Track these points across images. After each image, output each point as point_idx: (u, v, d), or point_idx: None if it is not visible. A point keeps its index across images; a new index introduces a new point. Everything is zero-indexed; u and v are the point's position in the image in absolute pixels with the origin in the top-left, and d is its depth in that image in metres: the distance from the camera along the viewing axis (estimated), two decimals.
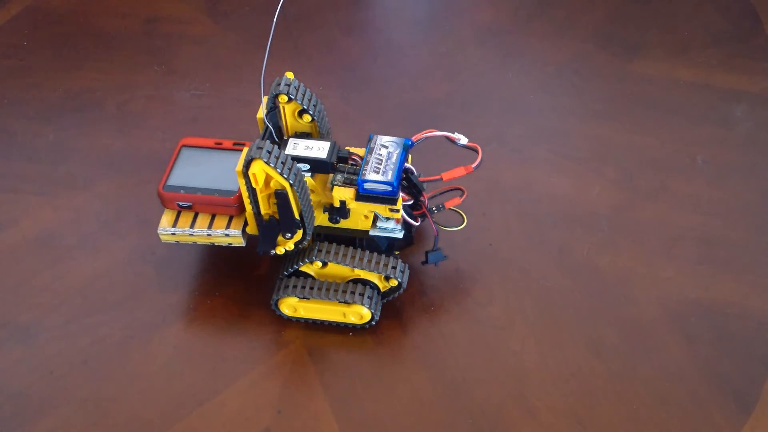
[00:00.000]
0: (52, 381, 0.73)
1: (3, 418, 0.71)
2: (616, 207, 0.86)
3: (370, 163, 0.71)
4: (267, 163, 0.65)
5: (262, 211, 0.70)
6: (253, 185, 0.67)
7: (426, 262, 0.77)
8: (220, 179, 0.74)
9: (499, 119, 0.97)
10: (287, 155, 0.68)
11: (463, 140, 0.74)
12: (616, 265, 0.81)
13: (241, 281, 0.81)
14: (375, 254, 0.74)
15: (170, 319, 0.78)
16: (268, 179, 0.67)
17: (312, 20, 1.13)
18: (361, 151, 0.75)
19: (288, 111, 0.74)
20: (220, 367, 0.74)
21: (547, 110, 0.99)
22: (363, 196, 0.71)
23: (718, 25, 1.09)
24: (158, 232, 0.74)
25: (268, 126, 0.73)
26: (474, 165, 0.73)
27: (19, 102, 1.01)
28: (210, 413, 0.71)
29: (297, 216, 0.69)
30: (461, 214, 0.81)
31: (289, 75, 0.73)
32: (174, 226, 0.74)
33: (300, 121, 0.74)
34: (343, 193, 0.71)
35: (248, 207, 0.70)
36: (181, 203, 0.74)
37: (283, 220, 0.70)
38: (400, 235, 0.73)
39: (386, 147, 0.72)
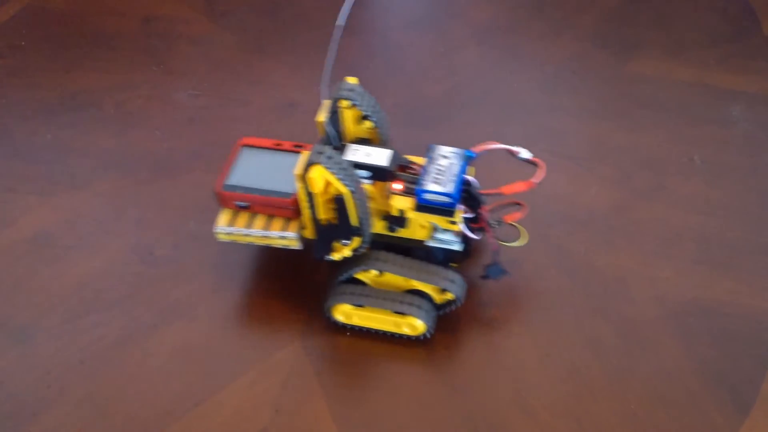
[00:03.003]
0: (49, 381, 0.73)
1: (1, 418, 0.71)
2: (613, 206, 0.86)
3: (430, 174, 0.70)
4: (327, 168, 0.64)
5: (320, 216, 0.69)
6: (311, 190, 0.66)
7: (486, 276, 0.76)
8: (279, 180, 0.73)
9: (496, 119, 0.98)
10: (347, 161, 0.67)
11: (525, 154, 0.72)
12: (614, 264, 0.81)
13: (241, 281, 0.81)
14: (433, 266, 0.72)
15: (168, 319, 0.78)
16: (327, 184, 0.66)
17: (310, 20, 1.13)
18: (420, 160, 0.73)
19: (349, 116, 0.73)
20: (218, 367, 0.74)
21: (544, 110, 0.99)
22: (422, 206, 0.69)
23: (716, 25, 1.09)
24: (215, 230, 0.74)
25: (328, 130, 0.72)
26: (536, 180, 0.71)
27: (17, 102, 1.01)
28: (208, 413, 0.71)
29: (355, 223, 0.68)
30: (520, 229, 0.79)
31: (352, 80, 0.72)
32: (231, 225, 0.73)
33: (360, 126, 0.74)
34: (402, 203, 0.70)
35: (305, 211, 0.69)
36: (238, 203, 0.73)
37: (340, 227, 0.69)
38: (458, 247, 0.71)
39: (446, 158, 0.71)
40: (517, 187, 0.72)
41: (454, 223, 0.70)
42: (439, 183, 0.69)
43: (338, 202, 0.67)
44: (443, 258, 0.73)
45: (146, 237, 0.85)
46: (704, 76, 1.02)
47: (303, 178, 0.66)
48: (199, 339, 0.76)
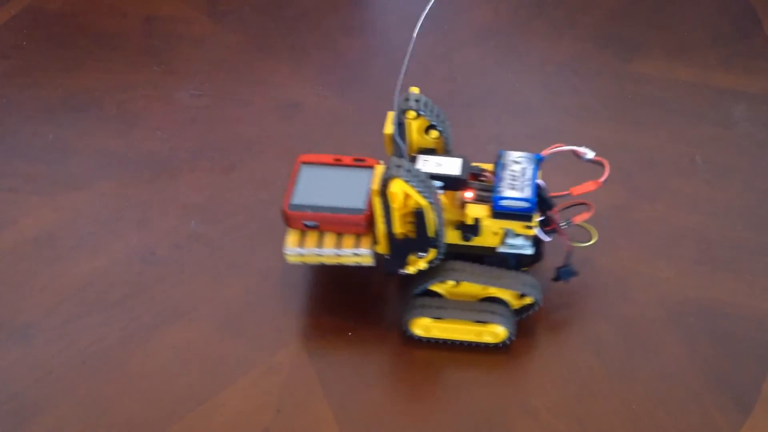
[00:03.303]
0: (50, 381, 0.73)
1: (2, 418, 0.71)
2: (615, 206, 0.86)
3: (504, 180, 0.69)
4: (407, 182, 0.64)
5: (396, 231, 0.68)
6: (392, 204, 0.66)
7: (557, 278, 0.75)
8: (346, 196, 0.72)
9: (498, 119, 0.97)
10: (425, 173, 0.67)
11: (590, 154, 0.72)
12: (615, 264, 0.81)
13: (242, 281, 0.81)
14: (508, 271, 0.72)
15: (169, 319, 0.78)
16: (406, 198, 0.65)
17: (311, 20, 1.13)
18: (488, 166, 0.73)
19: (414, 127, 0.72)
20: (220, 367, 0.74)
21: (546, 110, 0.99)
22: (498, 213, 0.69)
23: (718, 24, 1.09)
24: (285, 252, 0.71)
25: (399, 143, 0.71)
26: (602, 179, 0.71)
27: (18, 101, 1.01)
28: (209, 413, 0.71)
29: (432, 235, 0.68)
30: (589, 229, 0.78)
31: (415, 90, 0.72)
32: (301, 246, 0.71)
33: (426, 137, 0.73)
34: (477, 211, 0.69)
35: (381, 226, 0.69)
36: (307, 222, 0.71)
37: (418, 240, 0.68)
38: (530, 251, 0.71)
39: (518, 163, 0.71)
40: (586, 187, 0.72)
41: (530, 227, 0.69)
42: (515, 188, 0.68)
43: (418, 215, 0.66)
44: (515, 263, 0.73)
45: (147, 237, 0.85)
46: (706, 76, 1.02)
47: (381, 193, 0.65)
48: (200, 339, 0.76)
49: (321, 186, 0.73)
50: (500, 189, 0.68)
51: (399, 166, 0.65)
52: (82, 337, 0.77)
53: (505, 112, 0.99)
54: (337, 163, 0.75)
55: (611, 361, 0.74)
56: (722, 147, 0.93)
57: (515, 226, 0.70)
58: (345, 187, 0.73)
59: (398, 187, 0.64)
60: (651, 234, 0.84)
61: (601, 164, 0.71)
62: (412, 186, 0.64)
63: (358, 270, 0.81)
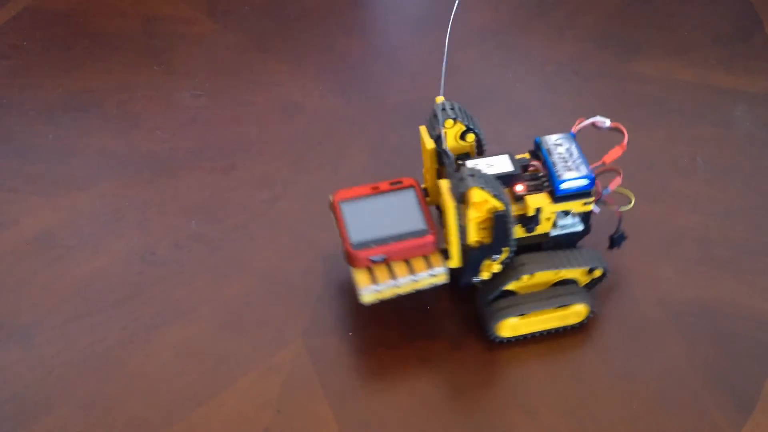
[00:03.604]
0: (51, 381, 0.73)
1: (2, 418, 0.71)
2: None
3: (557, 164, 0.70)
4: (483, 188, 0.64)
5: (471, 240, 0.68)
6: (475, 214, 0.65)
7: (612, 245, 0.77)
8: (402, 222, 0.71)
9: (498, 119, 0.97)
10: (492, 176, 0.67)
11: (607, 122, 0.74)
12: (616, 264, 0.81)
13: (242, 281, 0.81)
14: (571, 251, 0.73)
15: (169, 319, 0.78)
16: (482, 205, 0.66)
17: (312, 20, 1.13)
18: (525, 155, 0.73)
19: (451, 135, 0.72)
20: (220, 367, 0.74)
21: (546, 110, 0.99)
22: (560, 197, 0.69)
23: (718, 25, 1.09)
24: (361, 294, 0.69)
25: (447, 153, 0.71)
26: (625, 142, 0.73)
27: (18, 102, 1.01)
28: (210, 413, 0.71)
29: (509, 235, 0.68)
30: (626, 193, 0.78)
31: (441, 99, 0.72)
32: (375, 283, 0.69)
33: (462, 142, 0.73)
34: (538, 200, 0.69)
35: (454, 240, 0.68)
36: (374, 258, 0.69)
37: (495, 243, 0.68)
38: (581, 227, 0.72)
39: (560, 144, 0.72)
40: (615, 153, 0.74)
41: (588, 203, 0.70)
42: (571, 169, 0.69)
43: (498, 219, 0.66)
44: (570, 242, 0.74)
45: (148, 237, 0.85)
46: (706, 76, 1.02)
47: (457, 206, 0.65)
48: (200, 339, 0.76)
49: (371, 219, 0.71)
50: (558, 173, 0.69)
51: (472, 176, 0.64)
52: (83, 337, 0.77)
53: (505, 112, 0.99)
54: (376, 192, 0.73)
55: (611, 361, 0.74)
56: (723, 147, 0.93)
57: (575, 205, 0.70)
58: (395, 213, 0.72)
59: (479, 196, 0.64)
60: (651, 234, 0.84)
61: (619, 130, 0.74)
62: (489, 192, 0.64)
63: None
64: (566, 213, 0.71)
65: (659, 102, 0.99)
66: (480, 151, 0.74)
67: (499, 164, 0.70)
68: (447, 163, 0.70)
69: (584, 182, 0.69)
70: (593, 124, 0.74)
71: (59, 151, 0.95)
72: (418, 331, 0.76)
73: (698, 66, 1.03)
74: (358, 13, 1.16)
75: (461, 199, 0.65)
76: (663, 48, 1.06)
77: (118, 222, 0.87)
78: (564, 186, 0.69)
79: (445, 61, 0.71)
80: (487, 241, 0.68)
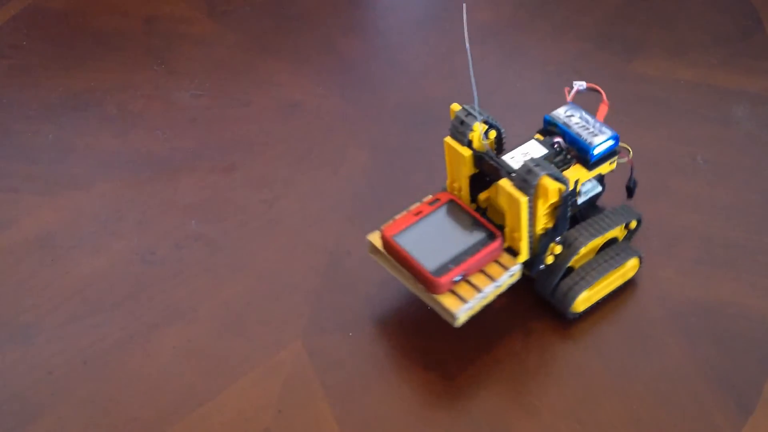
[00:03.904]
0: (51, 381, 0.73)
1: (2, 418, 0.71)
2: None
3: (581, 134, 0.71)
4: (552, 175, 0.66)
5: (539, 229, 0.70)
6: (550, 200, 0.67)
7: (631, 193, 0.79)
8: (463, 235, 0.71)
9: (499, 119, 0.97)
10: (546, 161, 0.68)
11: (583, 84, 0.77)
12: None
13: (242, 281, 0.81)
14: (605, 213, 0.76)
15: (169, 319, 0.78)
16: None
17: (312, 20, 1.13)
18: (538, 137, 0.75)
19: (476, 137, 0.72)
20: (220, 367, 0.74)
21: (547, 109, 0.98)
22: (594, 163, 0.71)
23: (719, 24, 1.09)
24: (456, 318, 0.69)
25: (491, 156, 0.71)
26: (605, 98, 0.76)
27: (18, 101, 1.01)
28: (210, 413, 0.71)
29: (568, 214, 0.70)
30: (625, 146, 0.79)
31: (457, 106, 0.73)
32: (465, 301, 0.69)
33: (485, 141, 0.73)
34: (575, 174, 0.71)
35: (524, 233, 0.69)
36: (455, 278, 0.69)
37: (559, 225, 0.70)
38: (600, 188, 0.74)
39: (572, 115, 0.73)
40: (603, 111, 0.76)
41: (613, 162, 0.73)
42: (597, 134, 0.71)
43: (564, 199, 0.68)
44: (592, 206, 0.76)
45: (148, 237, 0.85)
46: (707, 76, 1.02)
47: (527, 200, 0.66)
48: (200, 339, 0.76)
49: (434, 242, 0.71)
50: (588, 141, 0.71)
51: (537, 165, 0.66)
52: (83, 337, 0.77)
53: (506, 112, 0.98)
54: (422, 216, 0.73)
55: (612, 361, 0.74)
56: (723, 147, 0.93)
57: (604, 167, 0.72)
58: (453, 228, 0.72)
59: (551, 183, 0.66)
60: (651, 234, 0.84)
61: (596, 90, 0.76)
62: (555, 176, 0.66)
63: (357, 270, 0.81)
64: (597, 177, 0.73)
65: (660, 102, 0.99)
66: (500, 147, 0.74)
67: (533, 150, 0.72)
68: (497, 163, 0.71)
69: (612, 143, 0.72)
70: (577, 91, 0.77)
71: (59, 151, 0.95)
72: (418, 331, 0.76)
73: (699, 66, 1.03)
74: (358, 13, 1.16)
75: (533, 191, 0.66)
76: (663, 48, 1.06)
77: (118, 222, 0.87)
78: (597, 151, 0.71)
79: (471, 67, 0.70)
80: (550, 225, 0.70)
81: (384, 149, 0.94)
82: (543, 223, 0.70)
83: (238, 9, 1.14)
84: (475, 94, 0.70)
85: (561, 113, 0.74)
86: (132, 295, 0.80)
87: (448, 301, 0.69)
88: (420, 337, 0.76)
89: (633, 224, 0.78)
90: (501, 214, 0.73)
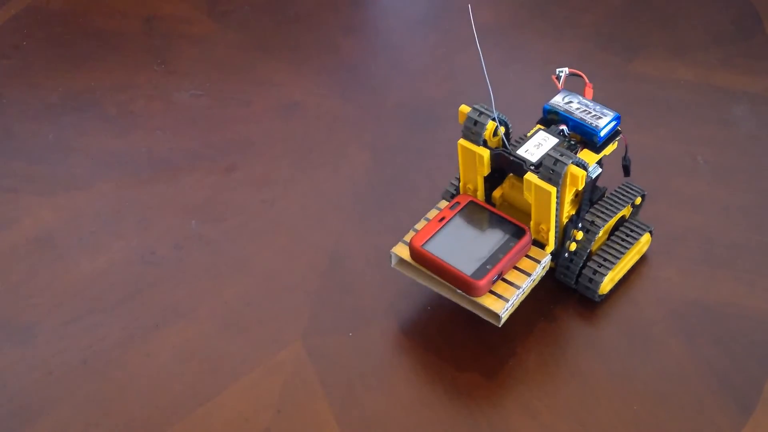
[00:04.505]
0: (51, 381, 0.73)
1: (3, 418, 0.71)
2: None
3: (585, 118, 0.73)
4: (576, 162, 0.67)
5: (564, 217, 0.71)
6: (578, 187, 0.68)
7: (628, 171, 0.79)
8: (492, 234, 0.71)
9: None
10: (566, 150, 0.69)
11: (565, 70, 0.77)
12: None
13: (242, 281, 0.81)
14: (614, 193, 0.78)
15: (169, 319, 0.78)
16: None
17: (312, 20, 1.13)
18: (538, 127, 0.75)
19: (488, 135, 0.73)
20: (220, 367, 0.74)
21: None
22: (602, 145, 0.73)
23: (719, 24, 1.09)
24: (500, 318, 0.68)
25: (512, 153, 0.71)
26: (587, 79, 0.76)
27: (19, 101, 1.01)
28: (210, 413, 0.71)
29: (588, 198, 0.72)
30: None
31: (466, 108, 0.73)
32: (507, 300, 0.68)
33: (494, 138, 0.73)
34: (586, 158, 0.72)
35: (552, 224, 0.69)
36: (494, 279, 0.69)
37: (581, 210, 0.72)
38: (600, 169, 0.74)
39: (571, 102, 0.74)
40: (590, 92, 0.77)
41: (615, 140, 0.74)
42: (600, 117, 0.73)
43: (590, 182, 0.70)
44: (594, 188, 0.77)
45: (148, 237, 0.85)
46: (707, 76, 1.01)
47: (557, 191, 0.67)
48: (200, 339, 0.76)
49: (465, 246, 0.70)
50: (594, 124, 0.72)
51: (563, 154, 0.67)
52: (83, 338, 0.76)
53: (506, 112, 0.98)
54: (446, 221, 0.72)
55: (612, 361, 0.74)
56: (723, 147, 0.93)
57: (609, 148, 0.74)
58: (480, 229, 0.72)
59: (578, 171, 0.67)
60: (652, 234, 0.84)
61: (577, 75, 0.77)
62: (577, 163, 0.67)
63: (357, 271, 0.81)
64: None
65: (660, 101, 0.99)
66: (507, 142, 0.74)
67: (545, 141, 0.72)
68: (518, 158, 0.71)
69: (615, 123, 0.73)
70: (555, 77, 0.78)
71: (60, 151, 0.95)
72: (418, 332, 0.76)
73: (699, 65, 1.03)
74: (358, 13, 1.16)
75: (562, 181, 0.67)
76: (664, 47, 1.06)
77: (118, 222, 0.87)
78: (603, 133, 0.72)
79: (483, 65, 0.71)
80: (572, 212, 0.72)
81: (384, 149, 0.94)
82: (567, 210, 0.71)
83: (238, 9, 1.14)
84: (491, 91, 0.70)
85: (560, 101, 0.75)
86: (132, 295, 0.80)
87: (489, 302, 0.68)
88: (420, 337, 0.76)
89: (638, 200, 0.79)
90: (516, 209, 0.74)
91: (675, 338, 0.75)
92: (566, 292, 0.79)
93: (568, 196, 0.70)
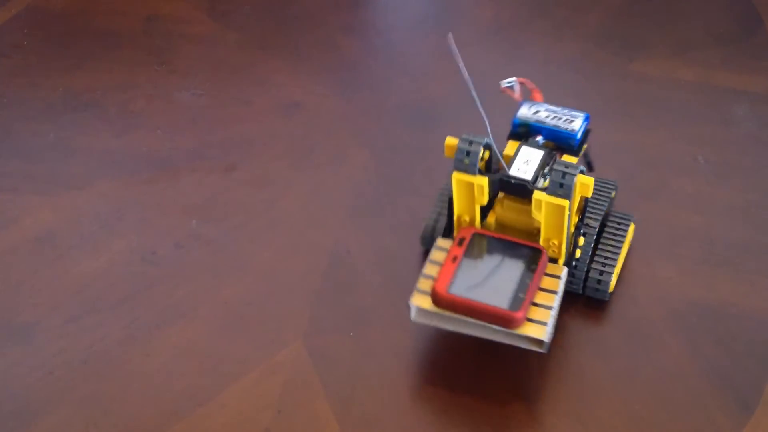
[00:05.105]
0: (51, 381, 0.73)
1: (2, 418, 0.71)
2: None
3: (558, 125, 0.72)
4: (582, 172, 0.67)
5: (572, 227, 0.71)
6: (589, 195, 0.68)
7: (591, 168, 0.79)
8: (511, 262, 0.69)
9: (499, 118, 0.97)
10: (563, 160, 0.69)
11: (513, 79, 0.76)
12: None
13: (242, 281, 0.81)
14: (594, 191, 0.77)
15: (170, 319, 0.78)
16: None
17: (312, 20, 1.13)
18: (513, 145, 0.74)
19: (482, 163, 0.71)
20: (220, 367, 0.74)
21: None
22: (579, 146, 0.73)
23: (720, 24, 1.09)
24: (545, 345, 0.66)
25: (513, 176, 0.70)
26: (533, 84, 0.77)
27: (19, 101, 1.01)
28: (210, 413, 0.71)
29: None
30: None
31: (454, 140, 0.71)
32: (545, 324, 0.66)
33: (480, 162, 0.72)
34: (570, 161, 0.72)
35: (565, 236, 0.69)
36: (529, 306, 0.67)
37: (584, 217, 0.73)
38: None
39: (538, 111, 0.73)
40: (539, 96, 0.77)
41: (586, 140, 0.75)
42: (572, 120, 0.72)
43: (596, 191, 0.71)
44: None
45: (148, 237, 0.85)
46: (708, 76, 1.01)
47: (569, 203, 0.67)
48: (201, 339, 0.76)
49: (489, 281, 0.68)
50: (569, 129, 0.72)
51: (568, 166, 0.66)
52: (83, 337, 0.76)
53: (506, 112, 0.98)
54: (459, 259, 0.69)
55: (613, 361, 0.74)
56: (724, 146, 0.93)
57: (584, 147, 0.74)
58: (497, 260, 0.69)
59: (587, 179, 0.67)
60: (652, 234, 0.84)
61: (523, 84, 0.76)
62: (582, 172, 0.67)
63: (357, 271, 0.81)
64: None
65: (661, 101, 0.99)
66: (491, 164, 0.73)
67: (530, 156, 0.71)
68: (518, 180, 0.69)
69: (586, 122, 0.73)
70: (508, 89, 0.77)
71: (59, 151, 0.95)
72: (418, 332, 0.76)
73: (700, 65, 1.03)
74: (358, 13, 1.16)
75: (572, 193, 0.66)
76: (664, 47, 1.06)
77: (118, 222, 0.87)
78: (580, 135, 0.72)
79: (476, 99, 0.69)
80: (576, 219, 0.72)
81: (384, 149, 0.94)
82: (574, 220, 0.71)
83: (238, 9, 1.14)
84: (485, 119, 0.69)
85: (526, 112, 0.74)
86: (132, 295, 0.80)
87: (530, 330, 0.66)
88: (420, 338, 0.76)
89: (613, 193, 0.80)
90: (513, 230, 0.73)
91: (675, 338, 0.75)
92: (566, 292, 0.79)
93: (575, 205, 0.69)
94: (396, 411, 0.71)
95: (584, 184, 0.67)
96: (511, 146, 0.74)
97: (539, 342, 0.67)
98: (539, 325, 0.66)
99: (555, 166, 0.67)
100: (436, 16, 1.15)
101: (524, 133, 0.74)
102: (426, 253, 0.79)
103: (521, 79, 0.75)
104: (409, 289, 0.79)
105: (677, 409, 0.70)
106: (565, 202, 0.66)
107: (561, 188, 0.66)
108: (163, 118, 0.99)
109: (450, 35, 0.66)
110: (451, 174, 0.70)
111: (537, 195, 0.67)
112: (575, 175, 0.66)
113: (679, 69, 1.03)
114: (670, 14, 1.11)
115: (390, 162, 0.92)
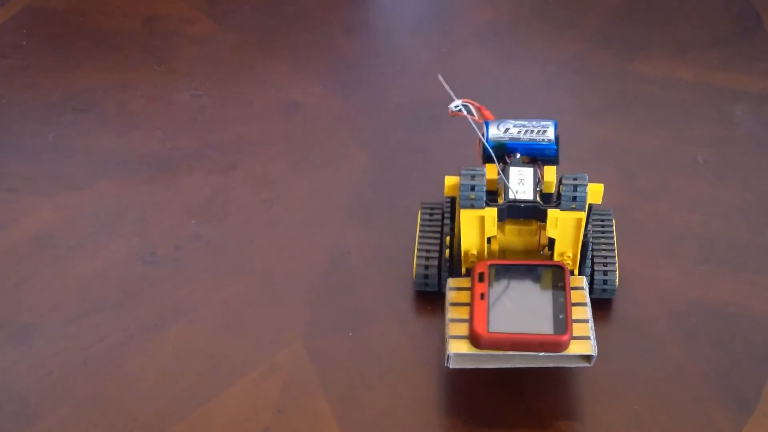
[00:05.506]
0: (51, 381, 0.73)
1: (2, 418, 0.71)
2: (616, 206, 0.86)
3: (534, 138, 0.71)
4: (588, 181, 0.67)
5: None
6: (599, 201, 0.69)
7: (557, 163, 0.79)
8: (537, 287, 0.68)
9: (499, 119, 0.97)
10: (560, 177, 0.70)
11: (459, 103, 0.73)
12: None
13: (242, 281, 0.81)
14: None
15: (169, 319, 0.78)
16: None
17: (312, 20, 1.13)
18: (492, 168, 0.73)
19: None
20: (220, 367, 0.74)
21: (547, 109, 0.99)
22: (557, 155, 0.73)
23: (719, 24, 1.09)
24: (592, 361, 0.66)
25: (523, 200, 0.69)
26: (477, 104, 0.74)
27: (18, 101, 1.01)
28: (210, 413, 0.71)
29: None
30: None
31: (453, 180, 0.71)
32: (589, 338, 0.66)
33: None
34: (551, 174, 0.72)
35: (578, 249, 0.69)
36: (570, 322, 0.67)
37: (588, 222, 0.71)
38: None
39: (508, 128, 0.73)
40: (488, 113, 0.74)
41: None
42: (543, 130, 0.72)
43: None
44: None
45: (148, 237, 0.85)
46: (708, 76, 1.02)
47: (585, 214, 0.67)
48: (200, 339, 0.76)
49: (525, 311, 0.67)
50: (545, 140, 0.71)
51: (575, 179, 0.66)
52: (83, 338, 0.76)
53: (506, 112, 0.98)
54: (485, 294, 0.68)
55: (612, 360, 0.74)
56: (724, 147, 0.93)
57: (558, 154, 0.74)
58: (524, 285, 0.69)
59: (598, 186, 0.68)
60: (652, 234, 0.84)
61: (468, 106, 0.73)
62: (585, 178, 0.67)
63: (357, 271, 0.81)
64: None
65: (660, 101, 0.99)
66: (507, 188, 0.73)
67: (522, 175, 0.70)
68: (528, 203, 0.69)
69: (555, 128, 0.72)
70: (459, 112, 0.74)
71: (59, 150, 0.95)
72: (418, 331, 0.76)
73: (699, 65, 1.03)
74: (358, 13, 1.16)
75: (586, 205, 0.66)
76: (664, 47, 1.06)
77: (118, 222, 0.87)
78: (554, 145, 0.72)
79: (476, 131, 0.70)
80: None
81: (384, 149, 0.94)
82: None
83: (238, 9, 1.14)
84: (487, 143, 0.69)
85: (498, 132, 0.72)
86: (132, 295, 0.80)
87: (576, 348, 0.66)
88: (420, 338, 0.76)
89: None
90: (518, 253, 0.72)
91: (675, 338, 0.75)
92: None
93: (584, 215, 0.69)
94: (396, 411, 0.71)
95: (595, 192, 0.67)
96: (490, 170, 0.71)
97: (587, 357, 0.66)
98: (584, 341, 0.66)
99: (564, 181, 0.66)
100: (436, 16, 1.15)
101: (500, 154, 0.72)
102: (419, 295, 0.78)
103: (466, 100, 0.73)
104: (410, 289, 0.79)
105: (677, 409, 0.70)
106: (582, 214, 0.66)
107: (575, 201, 0.66)
108: (163, 118, 0.99)
109: (440, 75, 0.69)
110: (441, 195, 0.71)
111: (552, 213, 0.67)
112: (587, 185, 0.66)
113: (678, 69, 1.03)
114: (669, 14, 1.11)
115: (390, 162, 0.92)
